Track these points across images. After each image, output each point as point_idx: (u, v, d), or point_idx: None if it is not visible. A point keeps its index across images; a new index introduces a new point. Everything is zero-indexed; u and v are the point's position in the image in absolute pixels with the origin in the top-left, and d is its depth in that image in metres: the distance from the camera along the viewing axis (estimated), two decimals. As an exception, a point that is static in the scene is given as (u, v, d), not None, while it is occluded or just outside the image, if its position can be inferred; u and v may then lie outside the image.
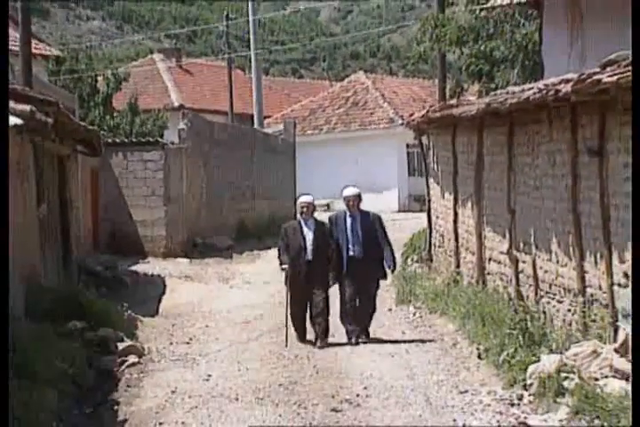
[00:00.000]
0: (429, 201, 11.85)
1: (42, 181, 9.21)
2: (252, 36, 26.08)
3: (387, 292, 10.13)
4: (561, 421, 5.31)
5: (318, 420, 5.68)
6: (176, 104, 28.28)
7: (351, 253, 8.18)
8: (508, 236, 8.24)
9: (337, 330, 8.34)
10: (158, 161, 15.17)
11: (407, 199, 25.15)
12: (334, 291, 8.38)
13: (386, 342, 8.15)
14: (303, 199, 8.39)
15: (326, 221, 8.43)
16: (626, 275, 5.86)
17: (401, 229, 15.89)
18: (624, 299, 5.87)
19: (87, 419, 6.04)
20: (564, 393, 5.47)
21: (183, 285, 12.72)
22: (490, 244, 8.92)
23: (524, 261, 7.86)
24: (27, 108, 7.16)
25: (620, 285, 5.94)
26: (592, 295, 6.40)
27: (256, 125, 25.08)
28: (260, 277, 12.57)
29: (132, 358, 7.63)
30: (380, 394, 6.22)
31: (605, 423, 4.99)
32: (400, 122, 22.84)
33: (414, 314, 9.61)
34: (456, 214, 10.22)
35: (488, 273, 9.02)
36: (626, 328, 5.66)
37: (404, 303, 10.26)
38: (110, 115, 22.05)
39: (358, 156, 25.12)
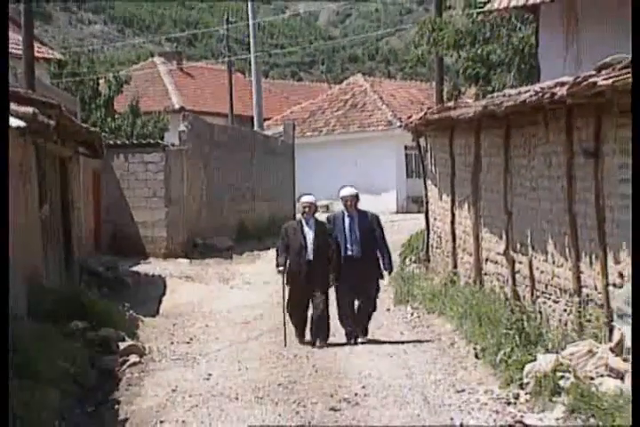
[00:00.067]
0: (427, 202, 11.88)
1: (44, 182, 9.26)
2: (251, 40, 26.15)
3: (385, 292, 10.15)
4: (557, 419, 5.32)
5: (317, 419, 5.71)
6: (177, 106, 28.36)
7: (349, 252, 8.18)
8: (504, 237, 8.28)
9: (336, 330, 8.36)
10: (159, 163, 15.25)
11: (405, 201, 25.22)
12: (334, 291, 8.40)
13: (384, 342, 8.18)
14: (305, 199, 8.38)
15: (325, 221, 8.48)
16: (621, 275, 5.90)
17: (399, 230, 15.98)
18: (619, 299, 5.93)
19: (89, 418, 6.07)
20: (559, 392, 5.50)
21: (184, 285, 12.78)
22: (487, 244, 8.96)
23: (520, 262, 7.90)
24: (29, 110, 7.21)
25: (614, 285, 5.97)
26: (587, 295, 6.44)
27: (256, 127, 25.14)
28: (260, 278, 12.61)
29: (133, 358, 7.67)
30: (379, 393, 6.24)
31: (601, 422, 5.00)
32: (398, 124, 22.94)
33: (412, 314, 9.65)
34: (453, 215, 10.26)
35: (485, 273, 9.06)
36: (621, 328, 5.71)
37: (402, 303, 10.30)
38: (112, 117, 22.15)
39: (357, 157, 25.19)
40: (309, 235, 8.22)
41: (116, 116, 22.54)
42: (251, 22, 26.16)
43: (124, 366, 7.48)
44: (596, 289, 6.30)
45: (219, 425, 5.68)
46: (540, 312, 7.26)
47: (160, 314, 10.54)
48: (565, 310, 6.85)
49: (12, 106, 7.01)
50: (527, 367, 5.94)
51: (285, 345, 8.14)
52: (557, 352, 5.97)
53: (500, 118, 7.82)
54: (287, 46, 51.93)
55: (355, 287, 8.22)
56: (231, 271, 14.33)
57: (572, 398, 5.29)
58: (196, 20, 60.42)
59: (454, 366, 7.06)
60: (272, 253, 8.94)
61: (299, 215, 8.75)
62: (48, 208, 9.43)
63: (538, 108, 6.76)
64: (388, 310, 10.00)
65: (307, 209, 8.30)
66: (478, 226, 9.25)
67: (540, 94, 6.37)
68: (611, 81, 5.32)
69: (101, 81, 22.87)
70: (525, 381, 5.90)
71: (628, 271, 5.79)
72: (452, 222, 10.31)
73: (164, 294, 11.99)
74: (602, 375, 5.46)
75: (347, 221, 8.30)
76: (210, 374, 7.09)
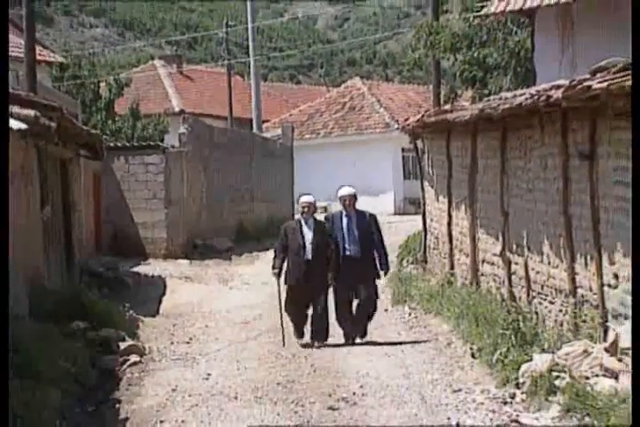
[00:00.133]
0: (424, 204, 11.92)
1: (45, 184, 9.30)
2: (250, 43, 26.22)
3: (382, 293, 10.21)
4: (552, 419, 5.34)
5: (315, 418, 5.73)
6: (177, 109, 28.45)
7: (347, 252, 8.18)
8: (500, 238, 8.32)
9: (335, 330, 8.38)
10: (159, 164, 15.32)
11: (403, 202, 25.31)
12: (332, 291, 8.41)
13: (382, 343, 8.21)
14: (305, 199, 8.38)
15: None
16: (615, 276, 5.95)
17: (396, 231, 16.04)
18: (614, 300, 5.98)
19: (89, 417, 6.10)
20: (555, 392, 5.51)
21: (183, 285, 12.82)
22: (483, 246, 9.00)
23: (516, 263, 7.94)
24: (31, 113, 7.27)
25: (609, 286, 6.00)
26: (583, 296, 6.47)
27: (255, 130, 25.21)
28: (259, 278, 12.63)
29: (134, 358, 7.69)
30: (376, 393, 6.27)
31: (596, 421, 5.02)
32: (396, 126, 23.06)
33: (409, 314, 9.68)
34: (450, 217, 10.29)
35: (481, 274, 9.09)
36: (615, 328, 5.76)
37: (399, 304, 10.33)
38: (112, 119, 22.23)
39: (355, 159, 25.27)
40: (308, 235, 8.22)
41: (117, 119, 22.61)
42: (250, 26, 26.24)
43: (125, 366, 7.51)
44: (591, 290, 6.33)
45: (218, 424, 5.70)
46: (536, 313, 7.29)
47: (160, 314, 10.57)
48: (561, 311, 6.89)
49: (14, 108, 7.08)
50: (523, 367, 5.97)
51: (284, 345, 8.17)
52: (553, 352, 6.00)
53: (496, 121, 7.84)
54: (286, 50, 52.08)
55: (353, 287, 8.23)
56: (230, 272, 14.39)
57: (568, 398, 5.32)
58: (195, 23, 60.58)
59: (451, 366, 7.09)
60: (271, 254, 8.98)
61: (297, 215, 8.79)
62: (49, 210, 9.47)
63: (534, 111, 6.79)
64: (386, 310, 10.01)
65: (306, 209, 8.31)
66: (475, 227, 9.28)
67: (536, 97, 6.40)
68: (605, 84, 5.35)
69: (102, 84, 22.95)
70: (521, 380, 5.92)
71: (622, 272, 5.85)
72: (449, 224, 10.35)
73: (163, 294, 12.03)
74: (597, 375, 5.48)
75: (345, 220, 8.31)
76: (209, 374, 7.13)
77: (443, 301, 9.17)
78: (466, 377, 6.69)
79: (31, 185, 8.66)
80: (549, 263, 7.14)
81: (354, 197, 8.40)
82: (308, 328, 8.34)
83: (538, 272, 7.43)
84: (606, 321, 6.02)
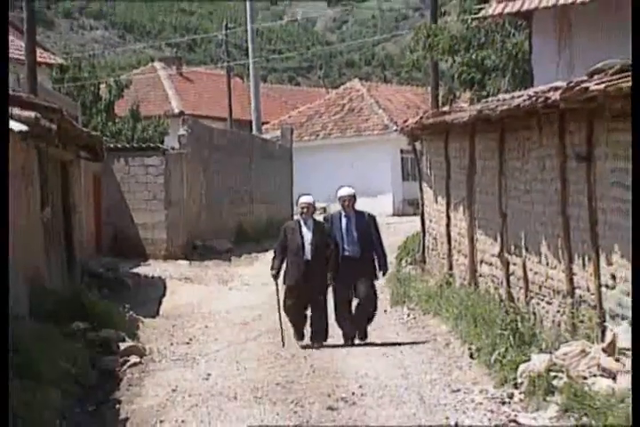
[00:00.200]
0: (423, 205, 11.95)
1: (46, 185, 9.34)
2: (250, 45, 26.25)
3: (381, 293, 10.24)
4: (550, 418, 5.35)
5: (315, 418, 5.75)
6: (176, 111, 28.48)
7: (346, 253, 8.20)
8: (499, 239, 8.34)
9: (334, 331, 8.40)
10: (159, 166, 15.36)
11: (401, 203, 25.37)
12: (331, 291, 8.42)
13: (381, 344, 8.22)
14: (304, 200, 8.40)
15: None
16: (613, 277, 5.97)
17: (395, 232, 16.08)
18: (611, 300, 6.01)
19: (90, 417, 6.13)
20: (553, 392, 5.53)
21: (183, 286, 12.85)
22: (481, 246, 9.02)
23: (514, 264, 7.97)
24: (31, 114, 7.29)
25: (607, 286, 6.03)
26: (580, 297, 6.50)
27: (254, 131, 25.25)
28: (259, 279, 12.65)
29: (134, 358, 7.72)
30: (375, 393, 6.29)
31: (593, 421, 5.02)
32: (394, 128, 23.10)
33: (408, 315, 9.70)
34: (449, 218, 10.32)
35: (480, 275, 9.11)
36: (613, 329, 5.78)
37: (398, 304, 10.35)
38: (112, 121, 22.28)
39: (354, 161, 25.32)
40: (307, 235, 8.23)
41: (117, 121, 22.67)
42: (249, 28, 26.28)
43: (125, 367, 7.54)
44: (588, 290, 6.35)
45: (218, 425, 5.72)
46: (534, 313, 7.31)
47: (160, 315, 10.60)
48: (559, 311, 6.91)
49: (15, 110, 7.11)
50: (521, 367, 5.98)
51: (283, 346, 8.19)
52: (551, 352, 6.01)
53: (494, 122, 7.87)
54: (285, 52, 52.16)
55: (352, 287, 8.24)
56: (230, 273, 14.43)
57: (566, 398, 5.33)
58: (195, 25, 60.75)
59: (450, 366, 7.11)
60: (270, 255, 9.00)
61: (297, 216, 8.81)
62: (50, 211, 9.51)
63: (531, 113, 6.82)
64: (385, 311, 10.02)
65: (305, 209, 8.32)
66: (473, 228, 9.31)
67: (534, 99, 6.42)
68: (603, 86, 5.36)
69: (102, 86, 23.03)
70: (519, 380, 5.94)
71: (619, 273, 5.88)
72: (448, 225, 10.38)
73: (163, 295, 12.06)
74: (594, 375, 5.49)
75: (344, 221, 8.32)
76: (209, 375, 7.15)
77: (441, 301, 9.18)
78: (464, 377, 6.71)
79: (32, 186, 8.70)
80: (547, 264, 7.16)
81: (353, 198, 8.41)
82: (307, 330, 8.35)
83: (536, 273, 7.45)
84: (604, 321, 6.05)
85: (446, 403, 6.00)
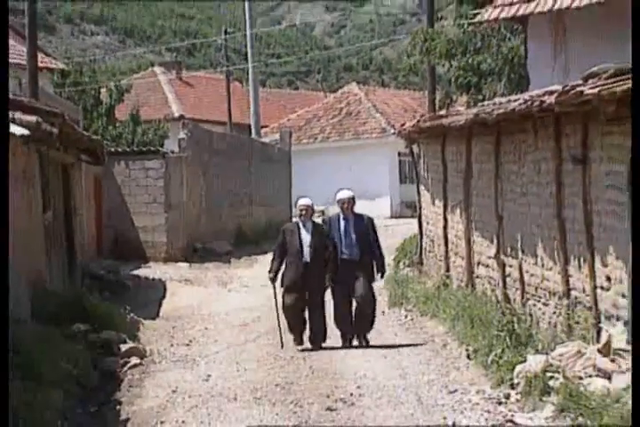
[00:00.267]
0: (420, 207, 11.98)
1: (47, 188, 9.39)
2: (249, 50, 26.31)
3: (379, 295, 10.29)
4: (546, 419, 5.38)
5: (314, 418, 5.78)
6: (176, 115, 28.56)
7: (345, 255, 8.22)
8: (495, 241, 8.38)
9: (333, 332, 8.43)
10: (159, 169, 15.43)
11: (399, 206, 25.43)
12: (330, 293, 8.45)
13: (379, 346, 8.25)
14: (302, 202, 8.42)
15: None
16: (608, 278, 6.01)
17: (393, 234, 16.13)
18: (607, 301, 6.06)
19: (91, 418, 6.16)
20: (549, 392, 5.55)
21: (183, 288, 12.88)
22: (478, 248, 9.06)
23: (510, 266, 8.00)
24: (33, 119, 7.34)
25: (602, 287, 6.06)
26: (576, 298, 6.53)
27: (253, 135, 25.30)
28: (258, 281, 12.65)
29: (134, 360, 7.75)
30: (373, 393, 6.31)
31: (589, 421, 5.05)
32: (392, 131, 23.14)
33: (406, 316, 9.73)
34: (446, 220, 10.35)
35: (477, 277, 9.15)
36: (608, 329, 5.83)
37: (396, 306, 10.37)
38: (113, 125, 22.37)
39: (352, 164, 25.38)
40: (306, 237, 8.25)
41: (117, 125, 22.75)
42: (248, 33, 26.35)
43: (126, 368, 7.57)
44: (584, 292, 6.39)
45: (218, 425, 5.76)
46: (530, 314, 7.34)
47: (160, 317, 10.62)
48: (555, 312, 6.94)
49: (17, 114, 7.17)
50: (518, 368, 6.01)
51: (282, 347, 8.22)
52: (547, 353, 6.04)
53: (490, 126, 7.90)
54: (284, 56, 52.31)
55: (350, 289, 8.25)
56: (229, 275, 14.48)
57: (562, 398, 5.36)
58: (195, 30, 60.87)
59: (447, 367, 7.14)
60: (269, 257, 9.05)
61: (296, 218, 8.87)
62: (51, 214, 9.55)
63: (527, 116, 6.86)
64: (383, 312, 10.02)
65: (303, 212, 8.36)
66: (470, 230, 9.35)
67: (530, 103, 6.47)
68: (597, 90, 5.41)
69: (103, 90, 23.11)
70: (516, 381, 5.97)
71: (614, 274, 5.93)
72: (445, 227, 10.41)
73: (164, 297, 12.09)
74: (590, 375, 5.53)
75: (342, 223, 8.35)
76: (209, 376, 7.18)
77: (438, 303, 9.22)
78: (461, 378, 6.74)
79: (33, 189, 8.74)
80: (543, 266, 7.20)
81: (352, 201, 8.44)
82: (307, 334, 8.36)
83: (532, 274, 7.49)
84: (599, 322, 6.08)
85: (444, 403, 6.03)
